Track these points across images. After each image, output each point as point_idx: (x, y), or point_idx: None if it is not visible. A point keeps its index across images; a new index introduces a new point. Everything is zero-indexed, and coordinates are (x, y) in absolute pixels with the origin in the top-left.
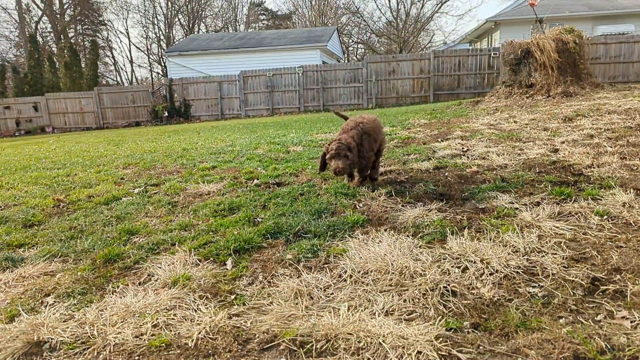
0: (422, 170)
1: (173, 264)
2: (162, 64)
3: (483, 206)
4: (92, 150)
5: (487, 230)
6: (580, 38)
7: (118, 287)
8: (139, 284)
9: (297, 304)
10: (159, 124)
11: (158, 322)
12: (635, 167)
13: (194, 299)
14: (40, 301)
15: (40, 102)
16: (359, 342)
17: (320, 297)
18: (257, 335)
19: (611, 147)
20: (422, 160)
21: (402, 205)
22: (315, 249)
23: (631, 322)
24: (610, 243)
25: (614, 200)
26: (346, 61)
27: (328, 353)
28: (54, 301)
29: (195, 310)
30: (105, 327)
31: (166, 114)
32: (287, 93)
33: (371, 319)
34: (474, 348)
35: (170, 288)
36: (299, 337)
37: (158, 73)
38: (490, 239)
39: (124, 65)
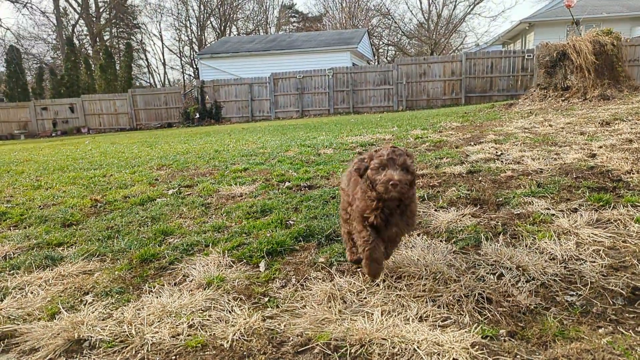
0: (455, 175)
1: (207, 265)
2: (194, 66)
3: (518, 212)
4: (127, 151)
5: (522, 236)
6: (618, 40)
7: (154, 287)
8: (175, 284)
9: (330, 307)
10: (190, 125)
11: (194, 323)
12: None
13: (228, 300)
14: (79, 299)
15: (76, 103)
16: (394, 347)
17: (354, 301)
18: (291, 338)
19: None
20: (455, 164)
21: (435, 210)
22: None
23: None
24: None
25: None
26: (376, 63)
27: (362, 358)
28: (93, 299)
29: (229, 312)
30: (143, 326)
31: (197, 115)
32: (316, 95)
33: (405, 324)
34: (511, 357)
35: (204, 289)
36: (333, 341)
37: (190, 75)
38: (526, 246)
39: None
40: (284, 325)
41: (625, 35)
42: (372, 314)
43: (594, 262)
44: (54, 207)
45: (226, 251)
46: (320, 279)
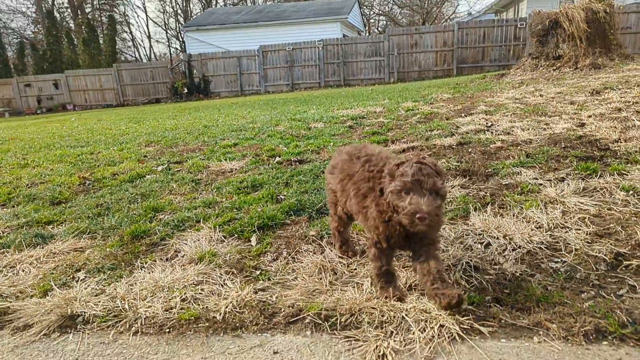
0: (445, 146)
1: (198, 240)
2: (180, 39)
3: (507, 182)
4: (114, 127)
5: (510, 206)
6: (611, 7)
7: (146, 262)
8: (166, 259)
9: (321, 279)
10: (178, 100)
11: (186, 297)
12: None
13: (220, 274)
14: (71, 276)
15: (60, 79)
16: (382, 316)
17: (344, 272)
18: (282, 310)
19: (639, 121)
20: (445, 136)
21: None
22: None
23: None
24: (635, 218)
25: None
26: (367, 34)
27: (352, 326)
28: (85, 276)
29: (221, 285)
30: (136, 301)
31: (186, 90)
32: (307, 68)
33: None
34: (496, 322)
35: (196, 264)
36: (324, 311)
37: (176, 49)
38: (513, 215)
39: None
40: (276, 297)
41: (619, 1)
42: (362, 284)
43: (579, 229)
44: (42, 186)
45: (217, 226)
46: (311, 252)
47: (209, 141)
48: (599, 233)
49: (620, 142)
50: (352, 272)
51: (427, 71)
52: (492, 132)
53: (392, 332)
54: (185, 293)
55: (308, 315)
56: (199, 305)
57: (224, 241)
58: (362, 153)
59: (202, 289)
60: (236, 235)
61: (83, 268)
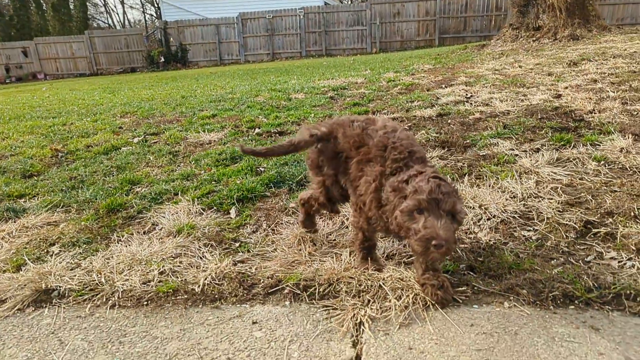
0: (425, 118)
1: (177, 213)
2: (156, 5)
3: (484, 153)
4: (87, 98)
5: (487, 176)
6: None
7: (123, 236)
8: (144, 233)
9: (300, 250)
10: (155, 70)
11: (164, 270)
12: (636, 113)
13: (199, 247)
14: (45, 251)
15: (29, 47)
16: (360, 285)
17: (323, 243)
18: (262, 281)
19: (613, 92)
20: (425, 107)
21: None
22: None
23: (619, 262)
24: (605, 188)
25: (612, 145)
26: (349, 2)
27: (330, 296)
28: (60, 250)
29: (200, 258)
30: (113, 274)
31: (162, 59)
32: (287, 37)
33: (372, 263)
34: (469, 289)
35: (175, 237)
36: (303, 281)
37: (151, 15)
38: (489, 186)
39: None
40: (255, 269)
41: None
42: (341, 254)
43: (552, 199)
44: (13, 158)
45: (196, 199)
46: (291, 224)
47: (187, 112)
48: (570, 202)
49: (595, 113)
50: (331, 242)
51: (409, 41)
52: (471, 104)
53: (369, 301)
54: (163, 266)
55: (287, 285)
56: (177, 277)
57: (203, 214)
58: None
59: (180, 262)
60: (215, 208)
61: (57, 242)
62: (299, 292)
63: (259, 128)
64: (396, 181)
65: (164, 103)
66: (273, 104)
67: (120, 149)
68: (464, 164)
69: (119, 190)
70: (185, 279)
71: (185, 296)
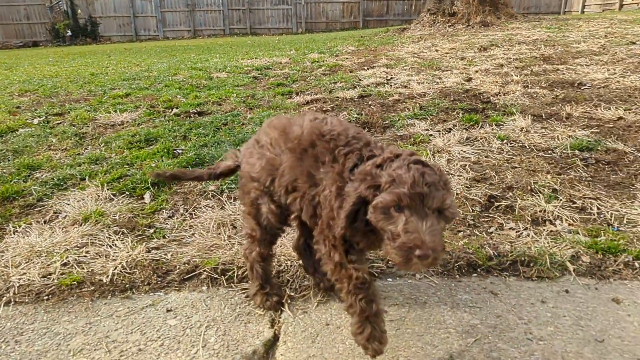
0: (348, 99)
1: (83, 199)
2: None
3: (402, 133)
4: None
5: None
6: None
7: (20, 226)
8: (45, 222)
9: (219, 234)
10: (61, 44)
11: (68, 261)
12: (535, 95)
13: (109, 234)
14: None
15: None
16: (280, 265)
17: (244, 226)
18: (177, 267)
19: (517, 76)
20: (348, 89)
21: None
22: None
23: (516, 232)
24: (507, 164)
25: (514, 125)
26: None
27: (246, 280)
28: None
29: (110, 247)
30: (8, 268)
31: (69, 33)
32: (210, 13)
33: (290, 242)
34: (384, 263)
35: (80, 225)
36: (221, 265)
37: None
38: None
39: None
40: (171, 255)
41: None
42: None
43: (461, 175)
44: None
45: (105, 184)
46: (210, 207)
47: (97, 91)
48: (476, 178)
49: (500, 96)
50: None
51: (335, 22)
52: (391, 85)
53: (288, 281)
54: (67, 257)
55: (204, 270)
56: (83, 269)
57: (114, 199)
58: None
59: (87, 252)
60: (127, 193)
61: None
62: (217, 276)
63: (177, 108)
64: (368, 166)
65: (70, 81)
66: (193, 83)
67: (18, 131)
68: (383, 144)
69: (16, 177)
70: (92, 270)
71: (92, 288)
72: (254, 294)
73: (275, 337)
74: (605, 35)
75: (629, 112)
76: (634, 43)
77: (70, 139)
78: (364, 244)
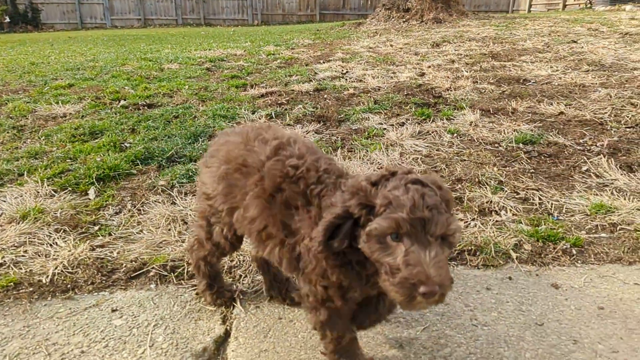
0: (303, 92)
1: (21, 196)
2: None
3: (356, 127)
4: None
5: (358, 149)
6: None
7: None
8: None
9: (169, 230)
10: None
11: (4, 261)
12: (484, 90)
13: (49, 233)
14: None
15: None
16: (232, 261)
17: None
18: (124, 265)
19: (467, 71)
20: (304, 82)
21: (282, 127)
22: (190, 173)
23: (464, 222)
24: (457, 157)
25: (464, 119)
26: None
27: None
28: None
29: (50, 245)
30: None
31: (7, 19)
32: (161, 2)
33: None
34: None
35: (18, 223)
36: (170, 262)
37: None
38: (360, 158)
39: None
40: (117, 253)
41: None
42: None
43: (413, 168)
44: None
45: (46, 179)
46: (160, 203)
47: (37, 81)
48: (427, 171)
49: (451, 91)
50: None
51: (291, 15)
52: (346, 79)
53: (241, 276)
54: (3, 257)
55: (153, 268)
56: (20, 269)
57: (55, 196)
58: (269, 135)
59: (25, 251)
60: (70, 189)
61: None
62: (166, 273)
63: (125, 100)
64: (362, 181)
65: (8, 70)
66: (142, 74)
67: None
68: (338, 137)
69: None
70: (31, 270)
71: (31, 289)
72: (202, 291)
73: (227, 333)
74: (549, 34)
75: (569, 108)
76: (575, 42)
77: (8, 132)
78: (358, 290)
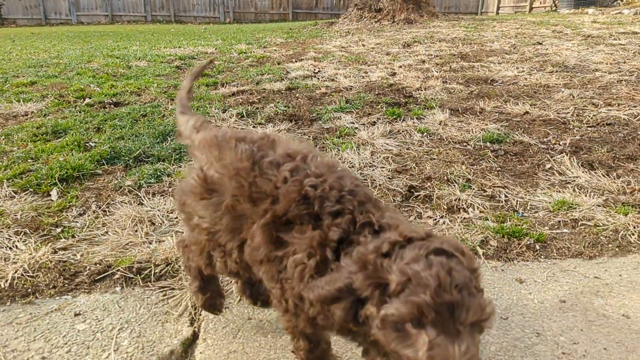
0: (275, 91)
1: None
2: None
3: (328, 126)
4: None
5: (330, 148)
6: None
7: None
8: None
9: (136, 231)
10: None
11: None
12: (453, 90)
13: (9, 235)
14: None
15: None
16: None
17: (163, 222)
18: (88, 268)
19: (437, 71)
20: (276, 81)
21: (253, 127)
22: (158, 173)
23: (433, 220)
24: (427, 156)
25: (434, 119)
26: None
27: (168, 276)
28: None
29: (10, 248)
30: None
31: None
32: None
33: None
34: None
35: None
36: (136, 264)
37: None
38: (331, 157)
39: None
40: (80, 255)
41: None
42: (182, 232)
43: (384, 167)
44: None
45: (5, 180)
46: (126, 203)
47: None
48: (398, 170)
49: (421, 90)
50: (172, 221)
51: (264, 14)
52: (318, 78)
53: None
54: None
55: (118, 270)
56: None
57: (15, 197)
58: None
59: None
60: (31, 190)
61: None
62: (132, 275)
63: (90, 98)
64: (370, 253)
65: None
66: (109, 72)
67: None
68: (309, 136)
69: None
70: None
71: None
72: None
73: (195, 335)
74: (516, 36)
75: (534, 107)
76: (540, 43)
77: None
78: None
